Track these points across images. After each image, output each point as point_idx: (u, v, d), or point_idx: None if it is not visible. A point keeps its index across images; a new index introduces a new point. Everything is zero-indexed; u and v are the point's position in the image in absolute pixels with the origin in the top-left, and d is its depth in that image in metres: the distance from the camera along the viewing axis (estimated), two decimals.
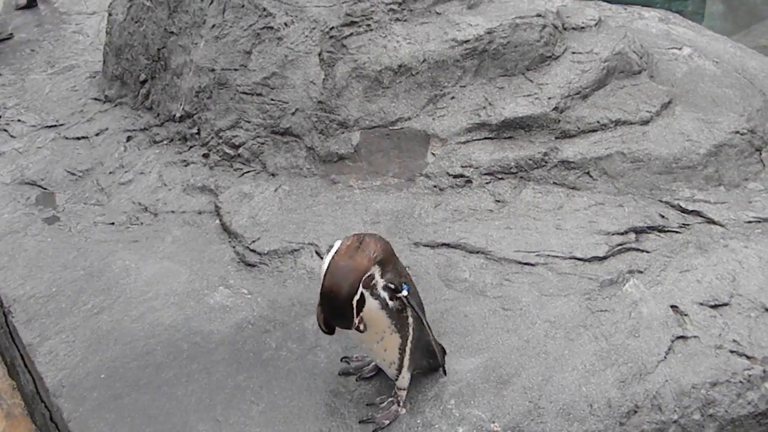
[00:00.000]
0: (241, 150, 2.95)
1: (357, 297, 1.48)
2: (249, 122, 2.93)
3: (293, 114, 2.86)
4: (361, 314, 1.50)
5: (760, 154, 2.69)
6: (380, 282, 1.55)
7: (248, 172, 2.89)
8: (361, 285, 1.49)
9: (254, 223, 2.58)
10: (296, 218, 2.56)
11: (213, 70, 3.05)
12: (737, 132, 2.66)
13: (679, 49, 3.18)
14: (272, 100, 2.89)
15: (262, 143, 2.91)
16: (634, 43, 2.92)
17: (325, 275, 1.51)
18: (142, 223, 2.74)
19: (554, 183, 2.57)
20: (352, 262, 1.49)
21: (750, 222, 2.39)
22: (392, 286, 1.58)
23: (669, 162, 2.55)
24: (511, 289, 2.15)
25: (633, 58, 2.85)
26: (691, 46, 3.25)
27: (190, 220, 2.75)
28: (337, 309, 1.50)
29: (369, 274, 1.50)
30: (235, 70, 2.98)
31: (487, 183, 2.58)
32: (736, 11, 6.05)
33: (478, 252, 2.30)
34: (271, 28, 2.92)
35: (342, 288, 1.47)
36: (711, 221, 2.39)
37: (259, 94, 2.91)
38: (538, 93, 2.70)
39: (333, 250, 1.54)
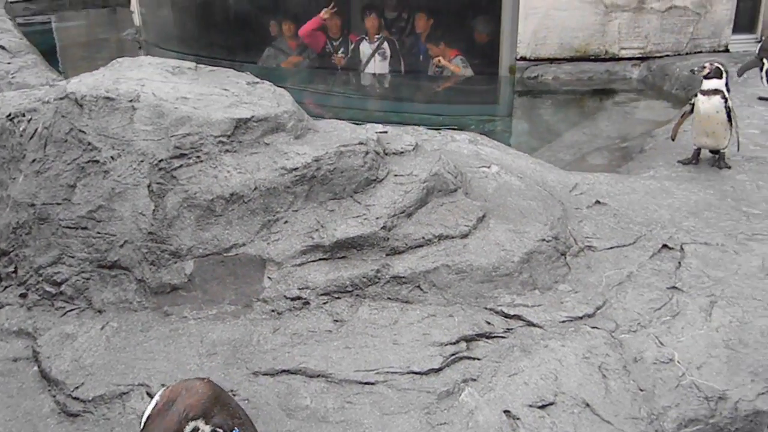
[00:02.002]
0: (63, 287, 2.78)
1: None
2: (73, 257, 2.79)
3: (122, 246, 2.77)
4: None
5: (565, 257, 3.00)
6: (207, 429, 1.50)
7: (72, 310, 2.72)
8: None
9: (78, 366, 2.39)
10: (125, 357, 2.42)
11: (33, 205, 2.90)
12: (543, 239, 2.96)
13: (488, 167, 3.54)
14: (99, 233, 2.79)
15: (88, 278, 2.77)
16: (448, 164, 3.21)
17: None
18: None
19: (388, 298, 2.68)
20: (163, 423, 1.43)
21: (564, 321, 2.62)
22: None
23: (489, 271, 2.77)
24: (353, 412, 2.16)
25: (448, 178, 3.13)
26: (498, 164, 3.63)
27: (3, 369, 2.49)
28: None
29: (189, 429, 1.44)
30: (58, 204, 2.85)
31: (324, 303, 2.63)
32: (538, 129, 6.87)
33: (318, 376, 2.31)
34: (97, 161, 2.87)
35: None
36: (531, 324, 2.60)
37: (84, 228, 2.79)
38: (367, 214, 2.86)
39: (148, 411, 1.47)
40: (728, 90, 3.98)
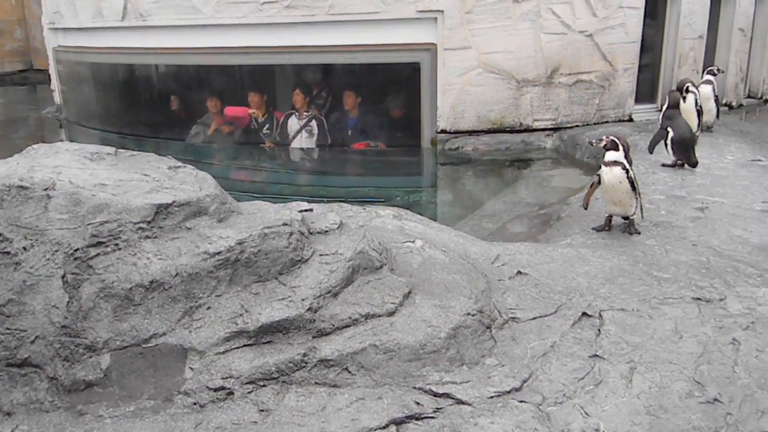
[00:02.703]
0: None
1: None
2: None
3: (32, 342, 2.63)
4: None
5: (491, 330, 3.05)
6: None
7: None
8: None
9: None
10: None
11: None
12: (469, 313, 3.01)
13: (413, 242, 3.60)
14: (8, 329, 2.65)
15: None
16: (373, 241, 3.25)
17: None
18: None
19: (316, 383, 2.64)
20: None
21: (492, 397, 2.64)
22: None
23: (417, 349, 2.78)
24: None
25: (374, 255, 3.16)
26: (423, 238, 3.70)
27: None
28: None
29: None
30: None
31: (249, 393, 2.56)
32: (462, 199, 7.08)
33: None
34: (8, 253, 2.74)
35: None
36: (460, 401, 2.61)
37: None
38: (292, 295, 2.83)
39: None
40: (629, 161, 4.24)
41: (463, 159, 7.97)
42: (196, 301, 2.76)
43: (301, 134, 8.62)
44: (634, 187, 4.23)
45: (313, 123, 8.58)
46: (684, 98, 6.41)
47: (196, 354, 2.64)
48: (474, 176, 7.52)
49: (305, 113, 8.58)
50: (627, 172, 4.19)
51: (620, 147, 4.20)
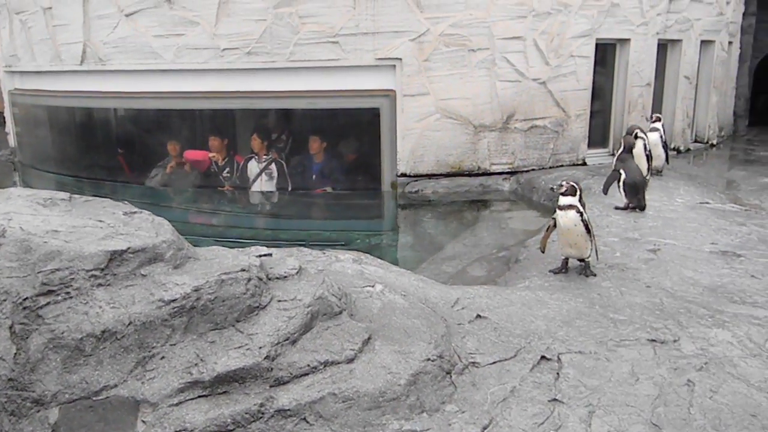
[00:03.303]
0: None
1: None
2: None
3: None
4: None
5: (451, 376, 3.04)
6: None
7: None
8: None
9: None
10: None
11: None
12: (429, 359, 3.00)
13: (372, 286, 3.60)
14: None
15: None
16: (333, 286, 3.23)
17: None
18: None
19: None
20: None
21: None
22: None
23: (376, 396, 2.75)
24: None
25: (333, 301, 3.14)
26: (382, 283, 3.70)
27: None
28: None
29: None
30: None
31: None
32: (422, 242, 7.12)
33: None
34: None
35: None
36: None
37: None
38: (249, 343, 2.79)
39: None
40: (582, 204, 4.35)
41: (422, 202, 8.05)
42: (150, 351, 2.69)
43: (261, 177, 8.61)
44: (588, 230, 4.33)
45: (273, 166, 8.59)
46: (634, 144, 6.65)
47: (149, 406, 2.56)
48: (434, 219, 7.59)
49: (264, 157, 8.59)
50: (581, 215, 4.29)
51: (577, 192, 4.31)
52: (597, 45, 8.65)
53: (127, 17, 8.63)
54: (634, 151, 6.51)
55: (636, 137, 6.67)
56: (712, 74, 10.78)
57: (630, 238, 5.32)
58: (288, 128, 8.75)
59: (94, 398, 2.54)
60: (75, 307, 2.68)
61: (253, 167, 8.67)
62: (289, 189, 8.63)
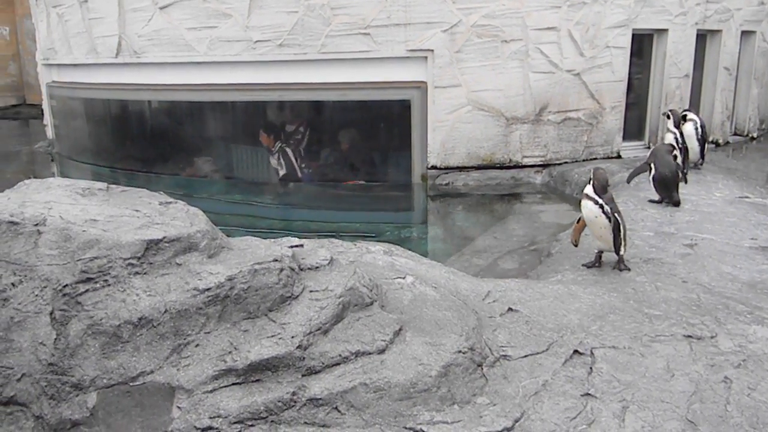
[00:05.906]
0: None
1: None
2: None
3: (19, 380, 2.59)
4: None
5: (482, 368, 3.03)
6: None
7: None
8: None
9: None
10: None
11: None
12: (460, 351, 2.99)
13: (403, 278, 3.60)
14: None
15: None
16: (364, 277, 3.24)
17: None
18: None
19: (305, 423, 2.60)
20: None
21: None
22: None
23: (407, 387, 2.76)
24: None
25: (364, 292, 3.15)
26: (413, 275, 3.69)
27: None
28: None
29: None
30: None
31: None
32: (452, 234, 7.10)
33: None
34: None
35: None
36: None
37: None
38: (282, 333, 2.81)
39: None
40: (608, 196, 4.24)
41: (453, 195, 8.02)
42: (185, 339, 2.74)
43: (279, 167, 8.76)
44: (612, 221, 4.21)
45: (281, 156, 8.70)
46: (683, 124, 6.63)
47: (184, 392, 2.61)
48: (464, 212, 7.56)
49: (275, 147, 8.72)
50: (601, 207, 4.20)
51: (590, 180, 4.24)
52: (633, 35, 8.49)
53: (161, 10, 8.74)
54: (684, 130, 6.42)
55: (686, 119, 6.55)
56: (753, 65, 10.50)
57: (666, 233, 5.23)
58: (306, 120, 8.77)
59: (131, 384, 2.60)
60: (113, 295, 2.74)
61: (272, 160, 8.80)
62: (299, 177, 8.69)
